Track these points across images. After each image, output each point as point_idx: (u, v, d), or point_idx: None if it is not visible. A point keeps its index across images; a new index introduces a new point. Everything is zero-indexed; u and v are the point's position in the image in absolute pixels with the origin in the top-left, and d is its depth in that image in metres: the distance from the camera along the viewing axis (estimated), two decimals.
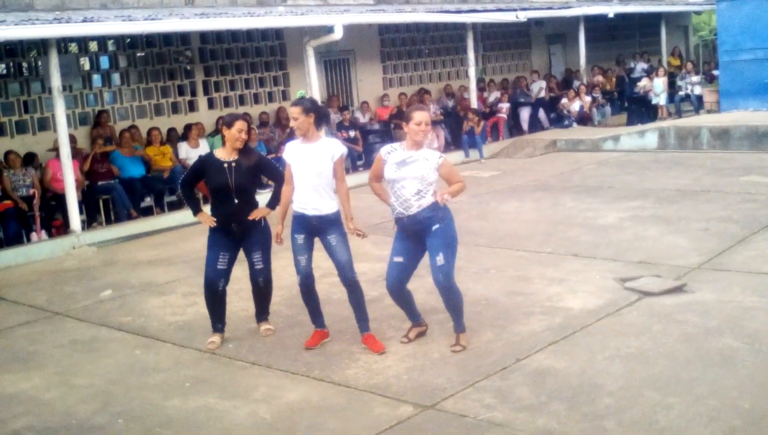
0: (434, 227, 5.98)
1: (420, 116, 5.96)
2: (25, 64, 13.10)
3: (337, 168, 6.26)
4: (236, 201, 6.47)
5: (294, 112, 6.21)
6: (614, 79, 22.49)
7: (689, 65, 21.46)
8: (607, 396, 5.15)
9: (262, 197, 6.73)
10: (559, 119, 19.43)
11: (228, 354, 6.50)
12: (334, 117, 15.93)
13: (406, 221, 6.02)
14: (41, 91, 13.02)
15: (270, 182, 6.92)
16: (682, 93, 20.96)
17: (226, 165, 6.47)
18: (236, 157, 6.49)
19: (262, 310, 6.92)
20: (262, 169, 6.72)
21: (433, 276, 6.05)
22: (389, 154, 6.10)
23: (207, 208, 6.88)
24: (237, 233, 6.53)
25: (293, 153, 6.28)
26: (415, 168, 5.94)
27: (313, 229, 6.24)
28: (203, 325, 6.84)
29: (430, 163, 5.96)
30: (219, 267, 6.55)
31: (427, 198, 5.97)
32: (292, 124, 6.27)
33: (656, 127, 17.27)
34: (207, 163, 6.61)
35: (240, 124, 6.45)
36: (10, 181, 11.35)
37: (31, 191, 11.40)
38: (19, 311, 8.24)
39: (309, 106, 6.25)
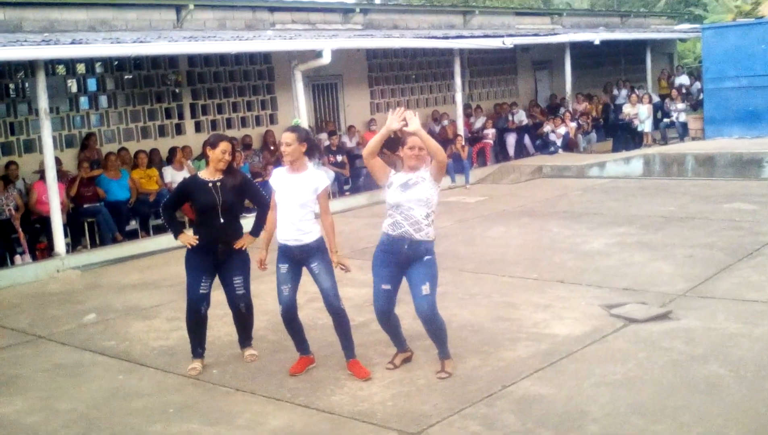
0: (426, 257, 5.99)
1: (413, 141, 5.97)
2: (12, 86, 13.07)
3: (321, 200, 6.25)
4: (222, 220, 6.45)
5: (288, 138, 6.19)
6: (600, 106, 22.63)
7: (674, 92, 21.63)
8: (593, 423, 5.13)
9: (246, 221, 6.72)
10: (544, 145, 19.51)
11: (212, 380, 6.45)
12: (323, 141, 15.96)
13: (407, 247, 5.97)
14: (28, 113, 12.98)
15: (253, 206, 6.88)
16: (667, 120, 21.11)
17: (211, 184, 6.46)
18: (221, 177, 6.48)
19: (245, 336, 6.88)
20: (247, 190, 6.66)
21: (416, 305, 6.00)
22: (395, 175, 6.09)
23: (189, 232, 6.84)
24: (221, 254, 6.50)
25: (279, 181, 6.27)
26: (419, 190, 5.94)
27: (297, 259, 6.22)
28: (187, 350, 6.78)
29: (427, 181, 5.98)
30: (201, 291, 6.52)
31: (432, 227, 5.99)
32: (283, 149, 6.23)
33: (641, 154, 17.39)
34: (191, 184, 6.61)
35: (224, 145, 6.44)
36: None
37: (12, 212, 11.30)
38: (1, 334, 8.16)
39: (303, 136, 6.25)
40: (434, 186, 6.01)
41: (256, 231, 6.61)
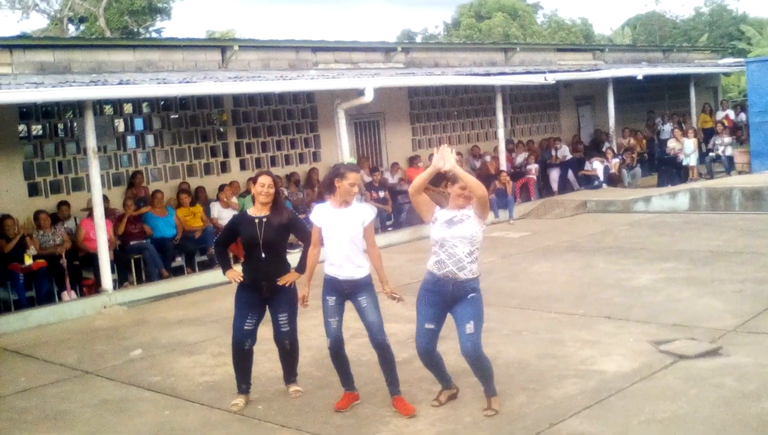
0: (470, 295, 5.97)
1: (461, 181, 5.95)
2: (60, 126, 13.36)
3: (368, 233, 6.28)
4: (263, 256, 6.49)
5: (357, 178, 6.27)
6: (644, 141, 22.47)
7: (719, 126, 21.42)
8: None
9: (292, 257, 6.75)
10: (589, 180, 19.39)
11: (257, 415, 6.45)
12: (365, 178, 16.03)
13: (451, 287, 5.95)
14: (76, 152, 13.25)
15: (299, 242, 6.92)
16: (713, 154, 20.88)
17: (257, 220, 6.53)
18: (267, 214, 6.53)
19: (289, 372, 6.89)
20: (293, 227, 6.72)
21: (461, 344, 5.96)
22: (440, 211, 6.09)
23: (238, 267, 6.90)
24: (265, 291, 6.53)
25: (323, 217, 6.30)
26: (463, 228, 5.93)
27: (345, 292, 6.23)
28: (233, 385, 6.80)
29: (472, 218, 5.96)
30: (246, 327, 6.56)
31: (476, 265, 5.97)
32: (354, 190, 6.26)
33: (687, 189, 17.20)
34: (240, 219, 6.72)
35: (263, 179, 6.52)
36: (38, 242, 11.48)
37: (59, 249, 11.50)
38: (49, 370, 8.26)
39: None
40: (479, 223, 5.98)
41: (301, 267, 6.62)
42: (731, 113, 23.94)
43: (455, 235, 5.93)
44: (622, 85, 21.55)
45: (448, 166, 5.83)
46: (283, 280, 6.56)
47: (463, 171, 5.96)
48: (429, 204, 6.16)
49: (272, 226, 6.52)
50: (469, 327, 5.90)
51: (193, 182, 14.32)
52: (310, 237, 6.58)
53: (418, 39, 53.32)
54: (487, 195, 6.06)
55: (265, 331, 6.81)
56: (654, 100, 25.41)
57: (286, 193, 14.31)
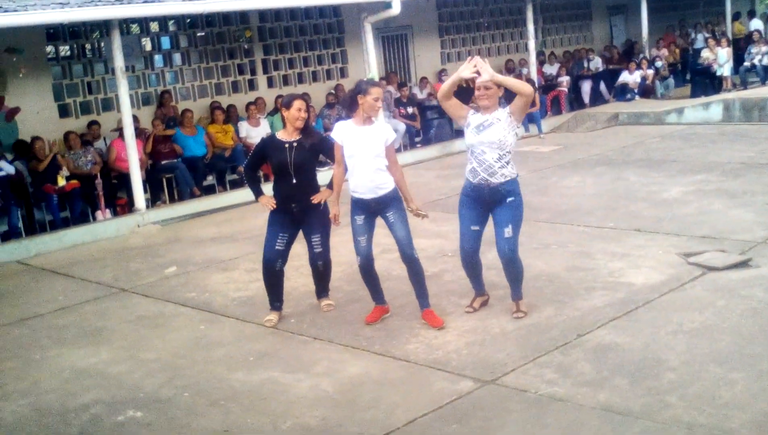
0: (509, 199, 6.05)
1: (480, 81, 5.97)
2: (88, 46, 13.34)
3: (390, 151, 6.27)
4: (294, 181, 6.51)
5: (380, 92, 6.24)
6: (677, 51, 21.99)
7: (756, 35, 20.88)
8: (670, 371, 5.10)
9: (322, 175, 6.77)
10: (621, 92, 19.10)
11: (290, 329, 6.59)
12: (394, 93, 15.92)
13: (486, 191, 6.06)
14: (104, 72, 13.25)
15: (328, 161, 6.93)
16: (747, 63, 20.41)
17: (287, 145, 6.52)
18: (297, 138, 6.54)
19: (322, 288, 7.00)
20: (322, 149, 6.71)
21: (499, 247, 6.13)
22: (473, 115, 6.13)
23: (269, 188, 6.93)
24: (297, 213, 6.59)
25: (346, 134, 6.26)
26: (492, 133, 5.97)
27: (372, 210, 6.27)
28: (266, 300, 6.91)
29: (503, 121, 5.99)
30: (277, 247, 6.63)
31: (509, 168, 6.02)
32: (378, 105, 6.22)
33: (721, 100, 16.92)
34: (269, 144, 6.71)
35: (298, 104, 6.49)
36: (72, 162, 11.60)
37: (93, 169, 11.64)
38: (86, 288, 8.45)
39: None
40: (510, 127, 6.00)
41: (332, 185, 6.64)
42: (758, 23, 23.21)
43: (483, 141, 5.98)
44: None
45: (487, 77, 5.85)
46: (316, 199, 6.58)
47: (503, 76, 5.97)
48: (460, 107, 6.20)
49: (303, 150, 6.53)
50: (507, 231, 6.07)
51: (222, 101, 14.30)
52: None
53: None
54: (532, 92, 6.08)
55: (297, 247, 6.90)
56: (688, 8, 24.76)
57: (315, 111, 14.25)
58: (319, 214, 6.63)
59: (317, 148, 6.66)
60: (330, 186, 6.64)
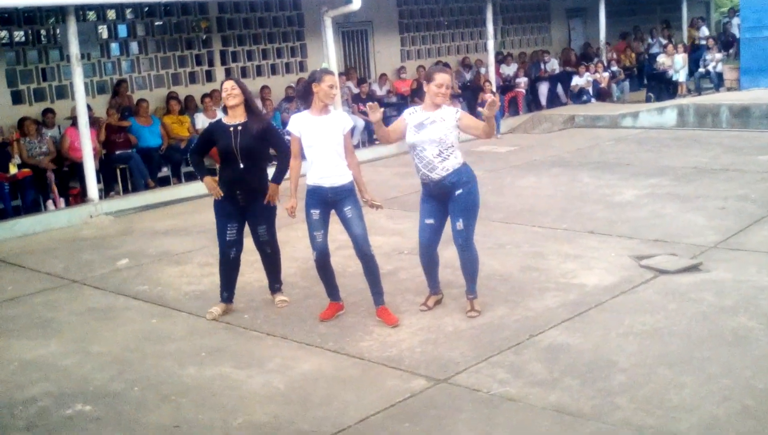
0: (457, 192, 6.09)
1: (441, 78, 6.01)
2: (43, 32, 13.10)
3: (347, 141, 6.26)
4: (241, 165, 6.46)
5: (334, 80, 6.21)
6: (633, 55, 22.26)
7: (710, 41, 21.22)
8: (621, 373, 5.16)
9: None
10: (577, 94, 19.28)
11: (243, 324, 6.55)
12: (353, 89, 15.89)
13: (432, 186, 6.13)
14: (60, 59, 13.04)
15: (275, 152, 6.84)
16: (702, 70, 20.74)
17: (231, 129, 6.47)
18: (243, 121, 6.48)
19: (274, 280, 6.95)
20: (269, 136, 6.61)
21: (454, 239, 6.20)
22: (410, 115, 6.17)
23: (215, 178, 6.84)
24: (242, 201, 6.54)
25: (303, 125, 6.22)
26: (432, 130, 6.01)
27: (329, 202, 6.24)
28: (218, 295, 6.87)
29: (448, 122, 6.03)
30: (228, 238, 6.62)
31: (450, 160, 6.04)
32: (334, 92, 6.18)
33: (675, 105, 17.14)
34: (215, 128, 6.66)
35: (225, 84, 6.52)
36: (25, 149, 11.40)
37: (44, 161, 11.43)
38: (37, 278, 8.31)
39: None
40: (454, 129, 6.05)
41: (277, 178, 6.61)
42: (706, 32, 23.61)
43: (423, 139, 6.04)
44: None
45: (488, 114, 5.90)
46: (269, 198, 6.55)
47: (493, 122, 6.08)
48: (398, 128, 6.24)
49: (248, 134, 6.45)
50: (459, 224, 6.12)
51: (179, 91, 14.15)
52: (286, 147, 6.53)
53: None
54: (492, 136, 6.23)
55: (250, 242, 6.85)
56: (646, 13, 25.07)
57: (272, 104, 14.18)
58: (263, 204, 6.59)
59: (263, 135, 6.54)
60: (274, 179, 6.59)
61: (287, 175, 6.51)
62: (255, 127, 6.49)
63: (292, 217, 6.45)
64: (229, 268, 6.76)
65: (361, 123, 14.77)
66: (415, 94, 16.13)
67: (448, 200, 6.15)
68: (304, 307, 6.81)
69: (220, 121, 6.69)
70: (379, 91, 16.72)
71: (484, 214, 9.37)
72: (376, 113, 5.99)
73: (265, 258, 6.84)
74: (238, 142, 6.42)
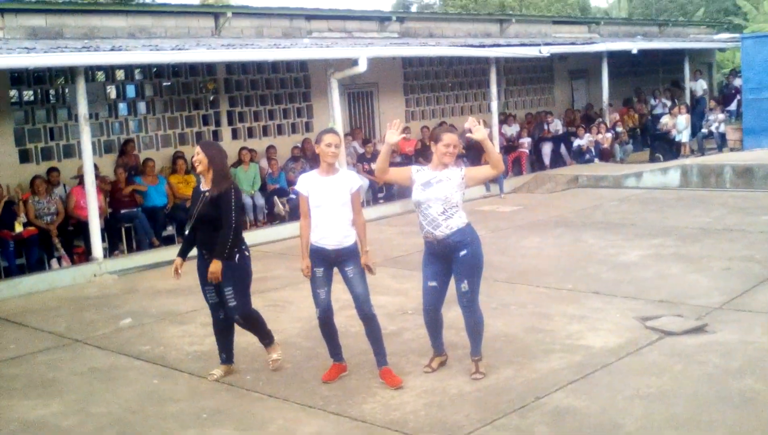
0: (461, 253, 6.08)
1: (449, 138, 6.10)
2: (52, 92, 13.26)
3: (355, 200, 6.28)
4: (201, 232, 6.46)
5: (334, 138, 6.21)
6: (636, 117, 22.45)
7: (713, 103, 21.39)
8: None
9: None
10: (580, 155, 19.38)
11: (245, 385, 6.49)
12: (358, 149, 16.01)
13: (436, 245, 6.14)
14: (67, 119, 13.17)
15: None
16: (705, 130, 20.87)
17: (202, 195, 6.49)
18: (209, 187, 6.46)
19: (260, 339, 6.81)
20: (220, 203, 6.34)
21: (459, 300, 6.20)
22: (417, 172, 6.23)
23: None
24: (209, 263, 6.42)
25: (311, 185, 6.26)
26: (439, 189, 6.06)
27: (332, 261, 6.25)
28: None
29: (453, 181, 6.08)
30: (210, 301, 6.63)
31: (454, 219, 6.06)
32: (333, 150, 6.14)
33: (679, 165, 17.21)
34: (193, 193, 6.77)
35: (195, 151, 6.50)
36: (34, 209, 11.45)
37: (51, 224, 11.49)
38: (39, 338, 8.28)
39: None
40: (460, 187, 6.11)
41: (219, 253, 6.34)
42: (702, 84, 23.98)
43: (430, 197, 6.09)
44: (617, 59, 21.50)
45: (479, 136, 5.95)
46: (210, 277, 6.38)
47: (491, 144, 6.16)
48: (400, 173, 6.37)
49: (207, 200, 6.39)
50: (464, 286, 6.13)
51: (186, 151, 14.26)
52: (228, 220, 6.33)
53: (414, 8, 52.92)
54: (502, 171, 6.32)
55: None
56: (648, 74, 25.33)
57: (277, 164, 14.27)
58: (228, 268, 6.39)
59: (217, 202, 6.36)
60: (217, 255, 6.33)
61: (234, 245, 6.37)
62: (210, 194, 6.41)
63: (306, 276, 6.35)
64: (220, 330, 6.72)
65: (366, 182, 14.84)
66: (420, 155, 16.22)
67: (452, 261, 6.15)
68: (307, 368, 6.76)
69: (197, 186, 6.69)
70: None
71: (488, 274, 9.36)
72: (394, 136, 6.01)
73: (241, 326, 6.66)
74: (199, 208, 6.41)
